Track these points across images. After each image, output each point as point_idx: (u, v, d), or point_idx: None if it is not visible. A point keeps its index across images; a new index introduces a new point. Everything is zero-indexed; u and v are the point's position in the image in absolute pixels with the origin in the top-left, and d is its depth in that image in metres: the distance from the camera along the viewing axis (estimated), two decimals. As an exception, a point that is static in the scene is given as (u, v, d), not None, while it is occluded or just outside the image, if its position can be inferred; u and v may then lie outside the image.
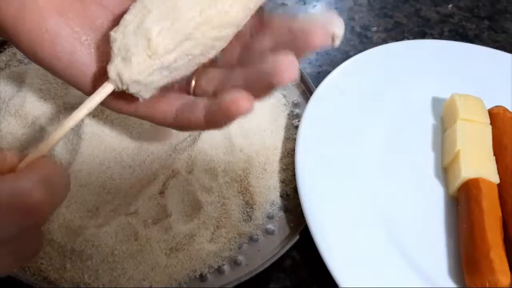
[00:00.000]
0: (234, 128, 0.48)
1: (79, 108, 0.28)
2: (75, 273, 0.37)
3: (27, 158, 0.26)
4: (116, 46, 0.28)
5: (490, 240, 0.38)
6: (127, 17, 0.29)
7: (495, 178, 0.43)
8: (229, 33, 0.29)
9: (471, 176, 0.43)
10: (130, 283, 0.37)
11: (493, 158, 0.45)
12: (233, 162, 0.46)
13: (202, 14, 0.27)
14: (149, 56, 0.28)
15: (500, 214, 0.41)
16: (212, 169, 0.45)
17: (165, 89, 0.31)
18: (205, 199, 0.43)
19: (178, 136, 0.46)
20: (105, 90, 0.29)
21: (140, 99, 0.30)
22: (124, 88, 0.28)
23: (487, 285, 0.37)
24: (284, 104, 0.54)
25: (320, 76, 0.56)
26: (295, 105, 0.54)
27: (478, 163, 0.44)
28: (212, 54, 0.30)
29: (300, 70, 0.56)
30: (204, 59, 0.30)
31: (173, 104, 0.31)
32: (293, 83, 0.56)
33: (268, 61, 0.27)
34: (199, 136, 0.47)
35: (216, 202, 0.43)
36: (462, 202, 0.43)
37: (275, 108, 0.52)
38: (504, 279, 0.37)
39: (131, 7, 0.29)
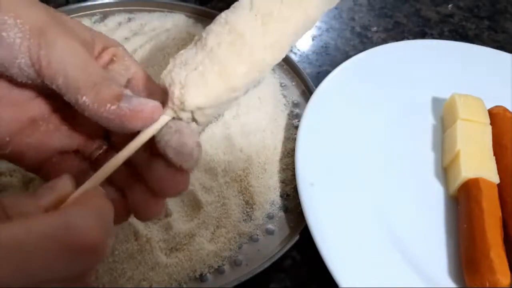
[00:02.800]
0: (234, 128, 0.48)
1: (133, 141, 0.27)
2: (75, 273, 0.37)
3: (80, 188, 0.25)
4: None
5: (490, 240, 0.38)
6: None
7: (495, 178, 0.43)
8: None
9: (471, 176, 0.43)
10: (130, 283, 0.37)
11: (493, 158, 0.45)
12: (233, 162, 0.46)
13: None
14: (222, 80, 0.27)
15: (500, 214, 0.41)
16: (212, 169, 0.45)
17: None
18: (205, 199, 0.43)
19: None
20: (161, 121, 0.27)
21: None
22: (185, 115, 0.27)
23: (487, 285, 0.37)
24: (284, 104, 0.54)
25: (320, 76, 0.56)
26: (295, 105, 0.54)
27: (478, 163, 0.44)
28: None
29: (300, 70, 0.56)
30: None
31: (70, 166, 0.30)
32: (293, 83, 0.57)
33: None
34: (199, 136, 0.47)
35: (216, 202, 0.43)
36: (462, 202, 0.43)
37: (275, 108, 0.52)
38: (504, 279, 0.37)
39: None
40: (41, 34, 0.25)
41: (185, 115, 0.27)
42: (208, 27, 0.28)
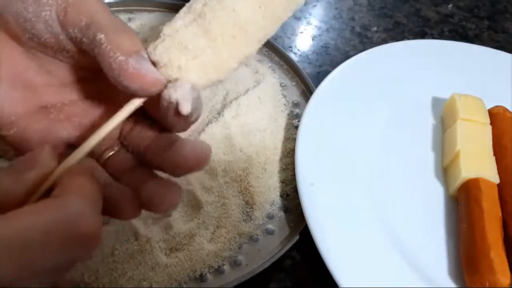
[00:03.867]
0: (234, 128, 0.48)
1: (120, 111, 0.26)
2: (75, 273, 0.37)
3: (64, 163, 0.25)
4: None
5: (490, 240, 0.38)
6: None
7: (495, 178, 0.43)
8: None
9: (471, 176, 0.43)
10: (130, 283, 0.37)
11: (493, 158, 0.45)
12: (233, 162, 0.46)
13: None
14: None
15: (500, 214, 0.41)
16: (212, 169, 0.45)
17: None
18: (205, 199, 0.43)
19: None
20: (134, 104, 0.27)
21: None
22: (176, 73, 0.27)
23: (487, 285, 0.37)
24: (284, 104, 0.54)
25: (320, 76, 0.56)
26: (295, 105, 0.54)
27: (478, 163, 0.44)
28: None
29: (300, 70, 0.56)
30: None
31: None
32: (293, 83, 0.57)
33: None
34: (199, 136, 0.47)
35: (216, 202, 0.43)
36: (462, 202, 0.43)
37: (275, 108, 0.52)
38: (504, 279, 0.37)
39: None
40: None
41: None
42: None
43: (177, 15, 0.27)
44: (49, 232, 0.21)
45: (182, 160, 0.27)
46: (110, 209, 0.27)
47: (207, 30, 0.26)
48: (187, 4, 0.28)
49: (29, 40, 0.27)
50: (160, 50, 0.26)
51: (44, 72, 0.29)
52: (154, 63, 0.26)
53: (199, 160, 0.27)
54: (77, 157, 0.25)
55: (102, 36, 0.25)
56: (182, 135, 0.45)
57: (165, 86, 0.26)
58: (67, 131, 0.29)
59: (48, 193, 0.24)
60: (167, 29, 0.27)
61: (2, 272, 0.19)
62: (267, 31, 0.28)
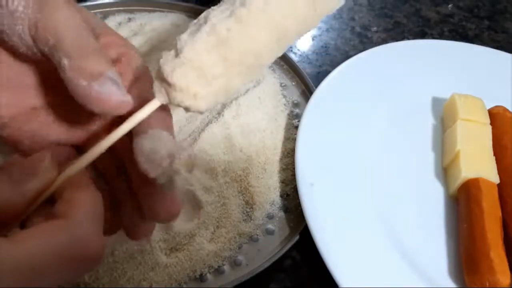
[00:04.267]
0: (234, 128, 0.48)
1: (120, 126, 0.26)
2: (75, 273, 0.37)
3: (64, 174, 0.25)
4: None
5: (490, 240, 0.38)
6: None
7: (495, 178, 0.43)
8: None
9: (471, 176, 0.43)
10: (130, 283, 0.37)
11: (493, 158, 0.45)
12: (233, 162, 0.46)
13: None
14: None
15: (500, 214, 0.41)
16: (212, 169, 0.45)
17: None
18: (205, 199, 0.43)
19: (178, 137, 0.46)
20: (152, 106, 0.26)
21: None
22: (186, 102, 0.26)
23: (487, 285, 0.37)
24: (284, 104, 0.54)
25: (320, 76, 0.56)
26: (295, 105, 0.54)
27: (478, 163, 0.44)
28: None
29: (300, 70, 0.56)
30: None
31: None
32: (293, 83, 0.57)
33: None
34: (199, 136, 0.47)
35: (216, 202, 0.43)
36: (462, 202, 0.43)
37: (275, 108, 0.52)
38: (504, 279, 0.37)
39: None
40: (44, 2, 0.25)
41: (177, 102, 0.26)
42: (234, 16, 0.26)
43: (199, 33, 0.26)
44: (57, 256, 0.22)
45: (153, 214, 0.28)
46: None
47: (226, 59, 0.26)
48: (209, 19, 0.26)
49: (12, 48, 0.27)
50: (179, 74, 0.25)
51: (34, 74, 0.29)
52: (168, 84, 0.26)
53: (169, 216, 0.28)
54: (80, 166, 0.25)
55: (66, 62, 0.25)
56: (182, 135, 0.45)
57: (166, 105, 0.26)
58: (55, 133, 0.30)
59: (47, 201, 0.24)
60: (188, 52, 0.25)
61: None
62: (276, 56, 0.28)
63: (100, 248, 0.23)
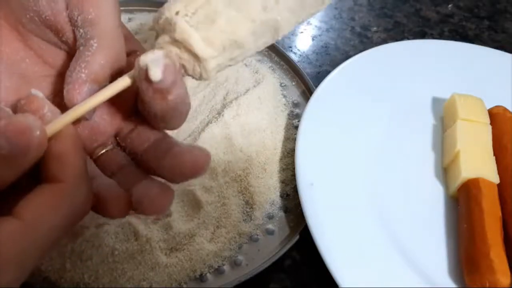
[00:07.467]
0: (234, 128, 0.48)
1: (93, 96, 0.25)
2: (75, 274, 0.37)
3: (53, 125, 0.24)
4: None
5: (490, 240, 0.38)
6: None
7: (495, 178, 0.43)
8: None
9: (471, 176, 0.43)
10: (130, 283, 0.37)
11: (493, 158, 0.45)
12: (233, 162, 0.46)
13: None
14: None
15: (500, 214, 0.41)
16: (212, 169, 0.45)
17: None
18: (205, 199, 0.43)
19: (178, 137, 0.46)
20: (122, 83, 0.26)
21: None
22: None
23: (487, 285, 0.37)
24: (284, 104, 0.54)
25: (320, 76, 0.56)
26: (295, 105, 0.54)
27: (478, 163, 0.44)
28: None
29: (300, 70, 0.56)
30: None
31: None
32: (293, 83, 0.57)
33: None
34: (199, 135, 0.47)
35: (216, 202, 0.43)
36: (462, 202, 0.43)
37: (275, 108, 0.52)
38: (504, 279, 0.37)
39: None
40: None
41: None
42: None
43: None
44: (62, 226, 0.23)
45: (179, 167, 0.27)
46: (97, 204, 0.26)
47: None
48: None
49: (30, 22, 0.27)
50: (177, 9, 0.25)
51: (41, 62, 0.29)
52: (170, 31, 0.26)
53: (196, 168, 0.27)
54: (65, 121, 0.25)
55: (95, 43, 0.26)
56: (182, 135, 0.45)
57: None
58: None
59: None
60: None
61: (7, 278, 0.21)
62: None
63: (90, 200, 0.25)
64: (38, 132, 0.22)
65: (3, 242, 0.20)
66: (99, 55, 0.26)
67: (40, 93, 0.25)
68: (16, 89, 0.28)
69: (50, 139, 0.24)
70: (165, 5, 0.26)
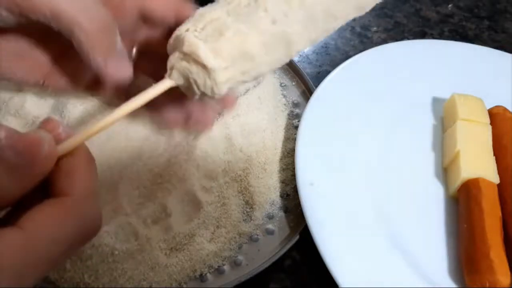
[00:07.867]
0: (234, 128, 0.48)
1: (128, 102, 0.26)
2: (75, 273, 0.37)
3: (66, 143, 0.24)
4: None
5: (490, 240, 0.38)
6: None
7: (495, 178, 0.43)
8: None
9: (471, 176, 0.43)
10: (130, 283, 0.37)
11: (493, 158, 0.45)
12: (233, 162, 0.46)
13: None
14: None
15: (500, 214, 0.41)
16: (212, 169, 0.45)
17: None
18: (205, 199, 0.43)
19: (177, 136, 0.46)
20: (164, 85, 0.27)
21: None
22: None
23: (487, 285, 0.37)
24: (284, 104, 0.54)
25: (320, 76, 0.56)
26: (295, 105, 0.54)
27: (478, 163, 0.44)
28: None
29: (300, 70, 0.56)
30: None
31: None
32: (293, 83, 0.56)
33: None
34: (199, 136, 0.47)
35: (216, 202, 0.43)
36: (462, 202, 0.43)
37: (275, 108, 0.52)
38: (504, 280, 0.37)
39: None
40: None
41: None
42: None
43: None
44: (69, 241, 0.22)
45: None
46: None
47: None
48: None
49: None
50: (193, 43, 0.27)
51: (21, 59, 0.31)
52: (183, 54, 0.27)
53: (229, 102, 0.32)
54: (79, 141, 0.25)
55: (82, 37, 0.27)
56: (181, 134, 0.46)
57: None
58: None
59: None
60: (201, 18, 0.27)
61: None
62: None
63: (100, 220, 0.24)
64: (46, 145, 0.23)
65: (1, 250, 0.20)
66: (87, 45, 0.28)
67: (55, 117, 0.26)
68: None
69: (62, 157, 0.24)
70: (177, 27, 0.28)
